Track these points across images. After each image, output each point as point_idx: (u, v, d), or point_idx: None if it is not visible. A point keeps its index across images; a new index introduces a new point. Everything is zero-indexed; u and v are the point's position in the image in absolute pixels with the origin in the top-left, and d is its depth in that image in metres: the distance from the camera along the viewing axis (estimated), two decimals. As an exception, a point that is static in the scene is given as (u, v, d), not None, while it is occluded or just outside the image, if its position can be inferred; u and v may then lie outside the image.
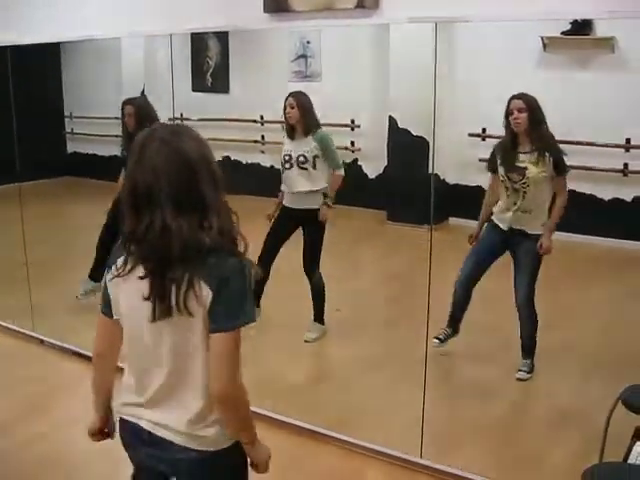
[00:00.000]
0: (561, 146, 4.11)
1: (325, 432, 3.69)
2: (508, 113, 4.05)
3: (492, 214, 4.25)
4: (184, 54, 8.57)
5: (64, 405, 4.04)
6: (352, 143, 7.97)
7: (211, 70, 8.73)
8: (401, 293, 5.54)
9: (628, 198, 6.64)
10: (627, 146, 6.51)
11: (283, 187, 4.77)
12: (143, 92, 8.67)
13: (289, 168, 4.68)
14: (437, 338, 4.37)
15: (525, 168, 4.01)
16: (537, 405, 3.96)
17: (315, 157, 4.65)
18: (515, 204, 4.08)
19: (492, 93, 6.31)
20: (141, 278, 1.78)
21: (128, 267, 1.80)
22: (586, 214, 6.68)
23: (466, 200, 5.51)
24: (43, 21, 4.75)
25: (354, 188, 7.96)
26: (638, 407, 2.80)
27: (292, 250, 4.83)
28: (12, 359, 4.74)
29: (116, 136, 5.58)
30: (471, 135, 6.91)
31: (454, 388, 4.36)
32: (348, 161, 8.09)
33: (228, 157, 8.51)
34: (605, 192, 6.72)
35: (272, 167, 6.45)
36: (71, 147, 9.24)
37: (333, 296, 5.43)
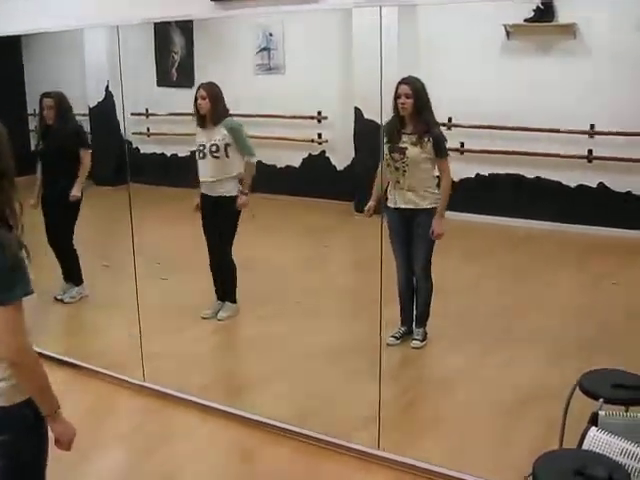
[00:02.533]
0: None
1: (281, 425, 3.63)
2: (396, 97, 4.15)
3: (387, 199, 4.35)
4: (148, 49, 8.49)
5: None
6: (319, 135, 7.92)
7: (176, 65, 8.64)
8: (363, 284, 5.48)
9: (593, 184, 6.63)
10: (591, 132, 6.51)
11: (200, 177, 4.81)
12: (107, 88, 8.57)
13: (203, 158, 4.74)
14: (393, 336, 4.40)
15: (405, 148, 4.17)
16: (499, 393, 3.91)
17: (227, 145, 4.69)
18: (398, 182, 4.24)
19: (457, 83, 6.32)
20: None
21: None
22: (552, 201, 6.70)
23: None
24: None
25: (322, 180, 7.95)
26: (594, 393, 2.77)
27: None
28: None
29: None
30: (437, 125, 6.87)
31: (411, 379, 4.31)
32: (315, 153, 8.06)
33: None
34: (570, 179, 6.71)
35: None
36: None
37: (296, 288, 5.39)
